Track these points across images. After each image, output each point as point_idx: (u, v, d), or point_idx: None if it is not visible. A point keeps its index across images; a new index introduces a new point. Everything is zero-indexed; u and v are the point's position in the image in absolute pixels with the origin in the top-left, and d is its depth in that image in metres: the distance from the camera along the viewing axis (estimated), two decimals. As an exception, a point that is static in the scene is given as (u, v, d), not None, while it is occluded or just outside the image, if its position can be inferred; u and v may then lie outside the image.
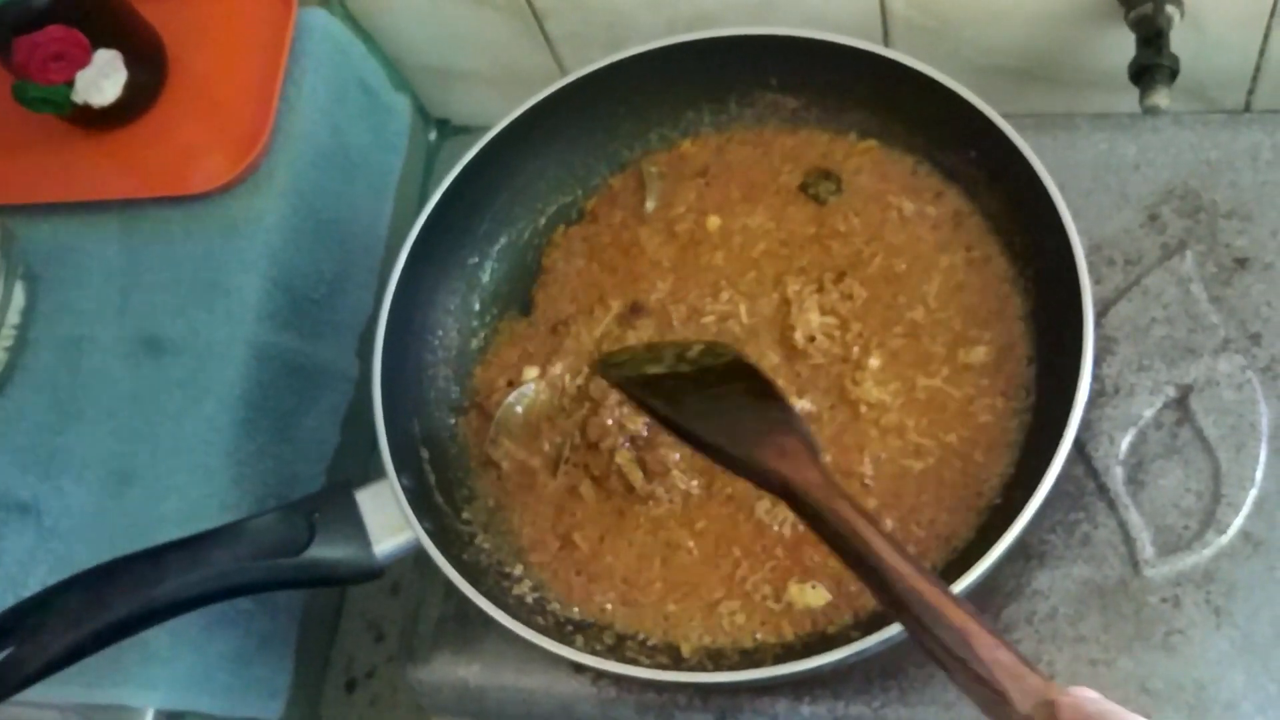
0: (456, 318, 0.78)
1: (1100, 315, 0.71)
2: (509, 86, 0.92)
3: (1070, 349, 0.64)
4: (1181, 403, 0.68)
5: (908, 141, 0.75)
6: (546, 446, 0.73)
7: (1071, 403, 0.62)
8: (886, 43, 0.83)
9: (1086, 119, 0.76)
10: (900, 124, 0.75)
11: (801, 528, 0.67)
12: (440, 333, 0.78)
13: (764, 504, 0.69)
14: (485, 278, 0.80)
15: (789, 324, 0.71)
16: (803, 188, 0.76)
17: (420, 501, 0.69)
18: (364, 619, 0.91)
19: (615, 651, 0.67)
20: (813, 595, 0.66)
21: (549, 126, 0.78)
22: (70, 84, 0.83)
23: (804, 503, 0.56)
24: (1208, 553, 0.65)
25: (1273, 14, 0.75)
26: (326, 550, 0.66)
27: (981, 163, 0.72)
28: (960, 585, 0.60)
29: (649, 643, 0.67)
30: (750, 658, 0.65)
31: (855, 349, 0.71)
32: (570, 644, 0.65)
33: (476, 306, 0.78)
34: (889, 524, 0.67)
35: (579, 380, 0.74)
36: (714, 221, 0.77)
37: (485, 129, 0.76)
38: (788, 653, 0.65)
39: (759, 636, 0.66)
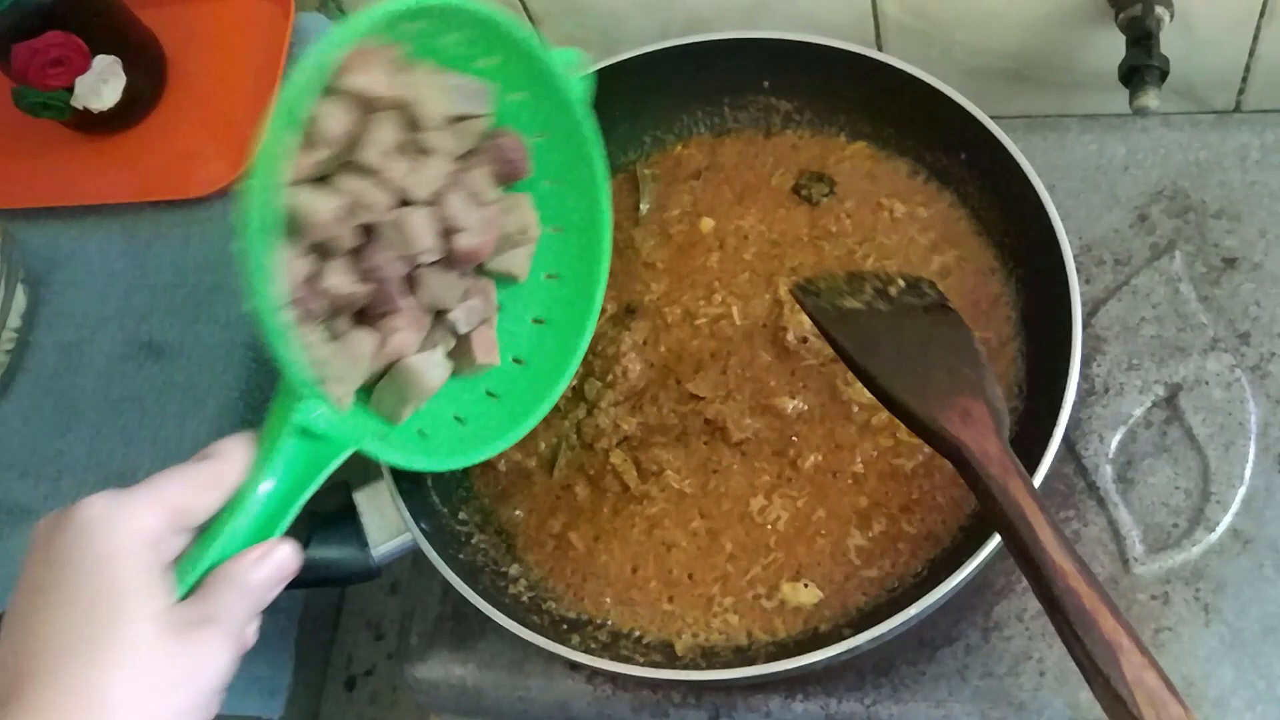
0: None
1: (1090, 315, 0.71)
2: (504, 90, 0.92)
3: (1060, 348, 0.64)
4: (1171, 401, 0.69)
5: (899, 144, 0.76)
6: (542, 446, 0.74)
7: (1061, 401, 0.63)
8: (878, 46, 0.84)
9: (1076, 120, 0.76)
10: (892, 126, 0.76)
11: (795, 526, 0.68)
12: (436, 334, 0.78)
13: (758, 501, 0.69)
14: (481, 280, 0.80)
15: (781, 325, 0.72)
16: (795, 190, 0.77)
17: (417, 502, 0.70)
18: (363, 618, 0.91)
19: (610, 649, 0.67)
20: (805, 594, 0.67)
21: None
22: (70, 89, 0.83)
23: (976, 476, 0.55)
24: (1197, 550, 0.66)
25: (1262, 15, 0.75)
26: (324, 550, 0.67)
27: (972, 164, 0.73)
28: (950, 583, 0.60)
29: (644, 641, 0.68)
30: (744, 655, 0.66)
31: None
32: (566, 642, 0.66)
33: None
34: (881, 522, 0.67)
35: (573, 381, 0.74)
36: (708, 223, 0.78)
37: (481, 132, 0.77)
38: (781, 650, 0.66)
39: (752, 634, 0.67)
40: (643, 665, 0.65)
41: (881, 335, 0.61)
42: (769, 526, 0.69)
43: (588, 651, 0.65)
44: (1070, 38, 0.79)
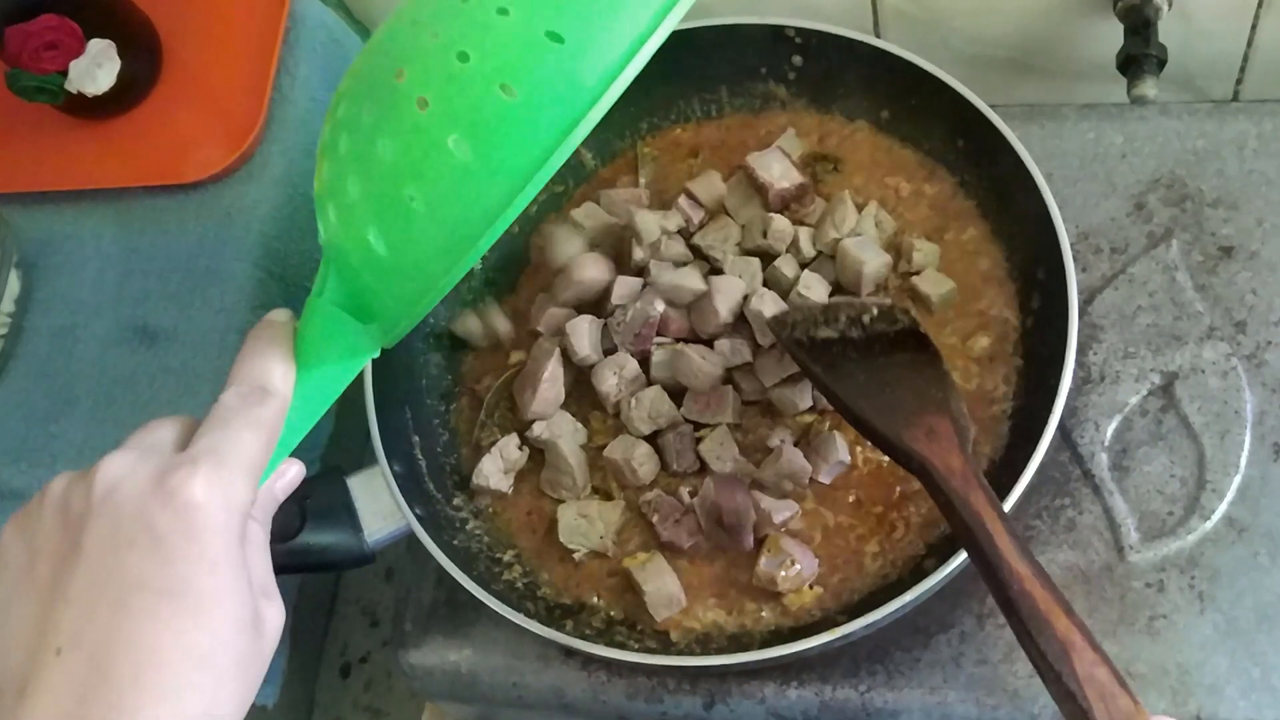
0: (448, 305, 0.79)
1: (1086, 303, 0.71)
2: (501, 76, 0.92)
3: (1056, 336, 0.64)
4: (1167, 390, 0.69)
5: (898, 129, 0.76)
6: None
7: (1057, 389, 0.63)
8: (877, 33, 0.84)
9: (1074, 109, 0.76)
10: (890, 113, 0.76)
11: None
12: (431, 320, 0.78)
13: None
14: (476, 266, 0.80)
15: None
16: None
17: (411, 488, 0.70)
18: (358, 604, 0.91)
19: (605, 635, 0.67)
20: (808, 593, 0.66)
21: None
22: (64, 73, 0.83)
23: (939, 488, 0.57)
24: (1192, 538, 0.66)
25: (1260, 4, 0.75)
26: (318, 536, 0.67)
27: (970, 151, 0.72)
28: (945, 571, 0.60)
29: (638, 627, 0.68)
30: (738, 642, 0.66)
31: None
32: (560, 628, 0.66)
33: (468, 294, 0.79)
34: (878, 509, 0.67)
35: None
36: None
37: (477, 118, 0.77)
38: (775, 637, 0.66)
39: (747, 622, 0.67)
40: (638, 651, 0.65)
41: (853, 361, 0.64)
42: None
43: (582, 637, 0.65)
44: (1068, 26, 0.79)
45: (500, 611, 0.65)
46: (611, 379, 0.70)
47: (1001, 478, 0.65)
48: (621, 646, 0.66)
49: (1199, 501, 0.66)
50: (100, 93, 0.84)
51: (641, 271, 0.73)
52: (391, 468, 0.69)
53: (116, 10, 0.86)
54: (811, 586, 0.66)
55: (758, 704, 0.67)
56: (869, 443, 0.68)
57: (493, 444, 0.73)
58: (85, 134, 0.88)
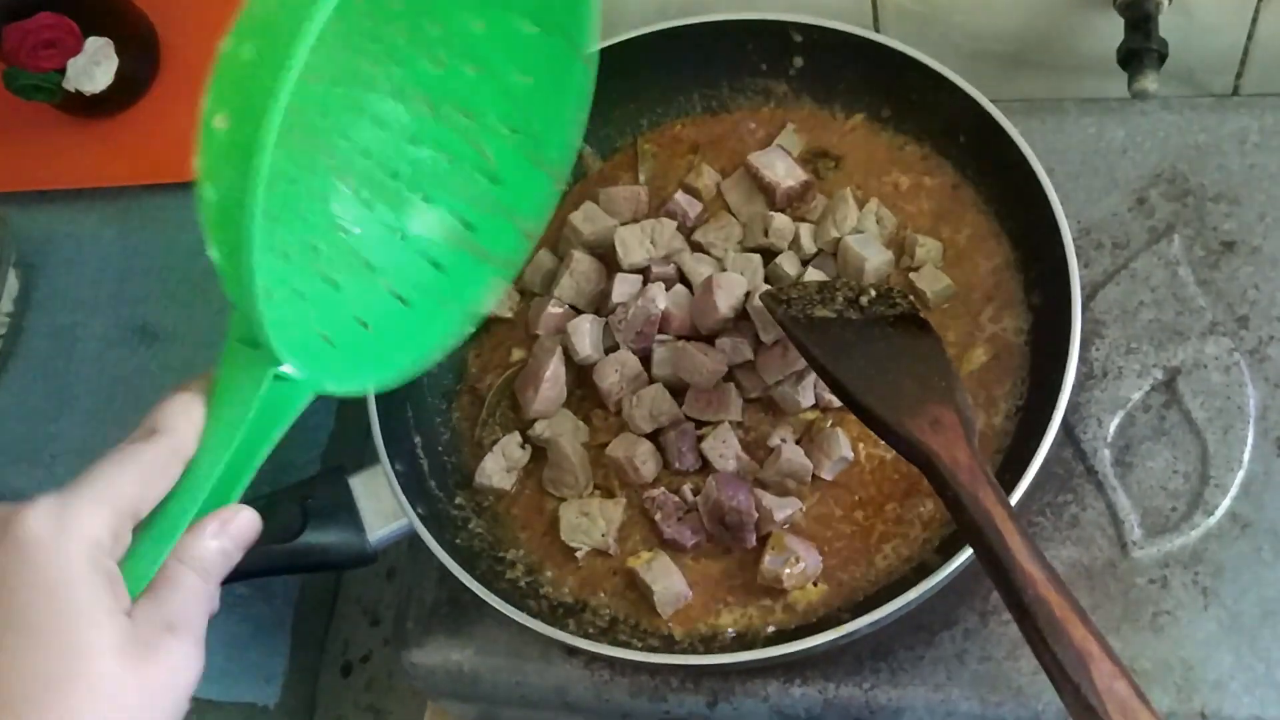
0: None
1: (1088, 298, 0.71)
2: (501, 73, 0.92)
3: (1059, 332, 0.64)
4: (1169, 385, 0.69)
5: (899, 124, 0.75)
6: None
7: (1060, 385, 0.63)
8: (876, 28, 0.83)
9: (1075, 103, 0.76)
10: (891, 108, 0.75)
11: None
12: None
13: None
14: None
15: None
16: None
17: (413, 486, 0.70)
18: (360, 604, 0.91)
19: (608, 634, 0.67)
20: (813, 591, 0.66)
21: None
22: (61, 71, 0.83)
23: (945, 483, 0.55)
24: (1195, 534, 0.65)
25: (1261, -2, 0.75)
26: (320, 535, 0.67)
27: (971, 146, 0.72)
28: (950, 567, 0.60)
29: (641, 625, 0.68)
30: (742, 640, 0.66)
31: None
32: (563, 627, 0.65)
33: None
34: (882, 505, 0.67)
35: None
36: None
37: (477, 115, 0.77)
38: (779, 635, 0.66)
39: (750, 620, 0.67)
40: (640, 650, 0.65)
41: (852, 343, 0.61)
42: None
43: (585, 636, 0.65)
44: (1069, 21, 0.79)
45: (502, 610, 0.65)
46: (613, 376, 0.70)
47: (1005, 474, 0.65)
48: (624, 645, 0.66)
49: (1202, 497, 0.66)
50: (98, 91, 0.84)
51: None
52: (393, 467, 0.68)
53: (114, 8, 0.86)
54: (816, 584, 0.66)
55: (761, 702, 0.67)
56: (872, 435, 0.67)
57: (495, 442, 0.73)
58: (84, 132, 0.88)
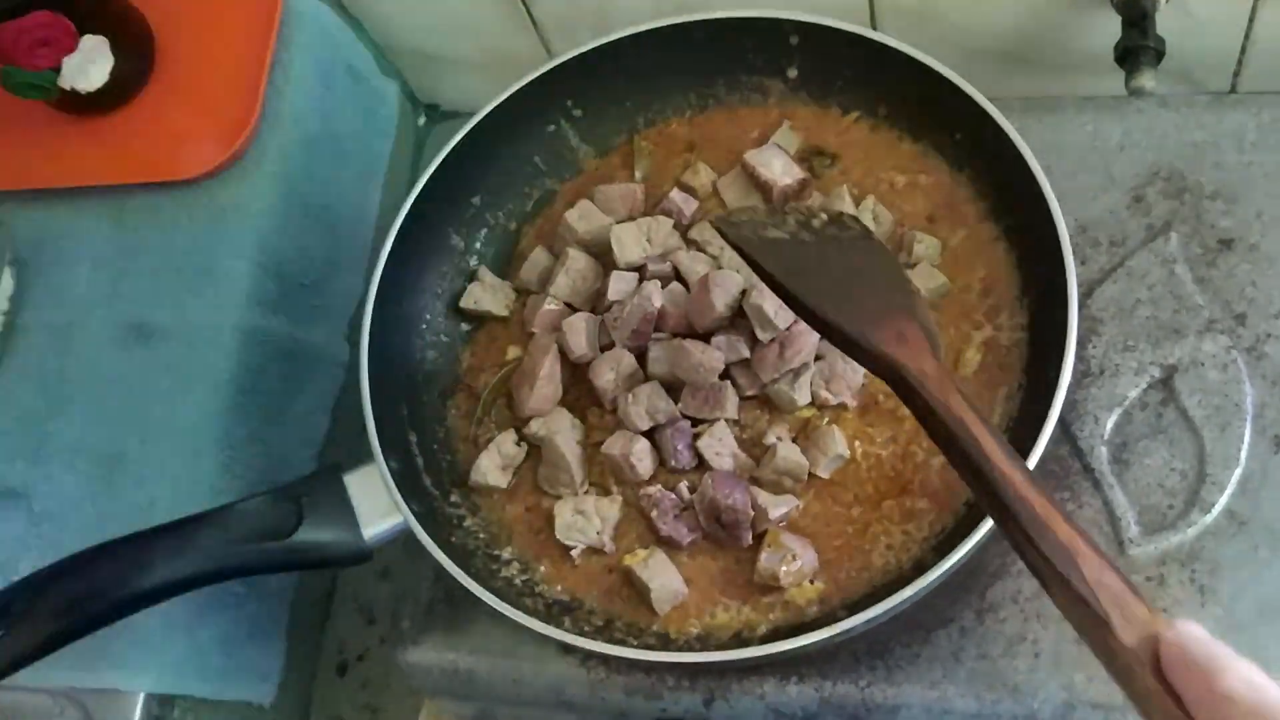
0: (444, 301, 0.79)
1: (1085, 296, 0.71)
2: (497, 71, 0.92)
3: (1055, 330, 0.64)
4: (1166, 383, 0.69)
5: (896, 122, 0.75)
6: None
7: (1057, 383, 0.63)
8: (873, 25, 0.83)
9: (1072, 101, 0.76)
10: (888, 106, 0.75)
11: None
12: (428, 316, 0.78)
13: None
14: (473, 261, 0.80)
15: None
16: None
17: (408, 484, 0.69)
18: (355, 602, 0.91)
19: (603, 632, 0.67)
20: (810, 589, 0.66)
21: (536, 110, 0.78)
22: (57, 69, 0.83)
23: (915, 393, 0.54)
24: (1192, 532, 0.65)
25: (1258, -4, 0.75)
26: (315, 533, 0.67)
27: (968, 144, 0.72)
28: (946, 564, 0.60)
29: (637, 623, 0.68)
30: (738, 638, 0.66)
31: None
32: (559, 625, 0.65)
33: (464, 289, 0.78)
34: (878, 503, 0.67)
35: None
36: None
37: (474, 114, 0.77)
38: (775, 633, 0.65)
39: (746, 618, 0.67)
40: (636, 648, 0.65)
41: (809, 261, 0.60)
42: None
43: (581, 634, 0.65)
44: (1066, 19, 0.79)
45: (498, 608, 0.65)
46: (609, 374, 0.70)
47: (1001, 472, 0.65)
48: (620, 643, 0.65)
49: (1199, 495, 0.66)
50: (93, 89, 0.84)
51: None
52: (388, 464, 0.68)
53: (109, 6, 0.86)
54: (813, 581, 0.66)
55: (757, 700, 0.67)
56: (869, 433, 0.68)
57: (490, 440, 0.73)
58: (79, 131, 0.88)
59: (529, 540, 0.71)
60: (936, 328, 0.58)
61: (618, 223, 0.75)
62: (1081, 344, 0.69)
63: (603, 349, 0.72)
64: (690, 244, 0.74)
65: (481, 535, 0.72)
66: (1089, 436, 0.68)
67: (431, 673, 0.72)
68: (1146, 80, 0.73)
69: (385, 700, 0.88)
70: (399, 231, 0.74)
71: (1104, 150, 0.75)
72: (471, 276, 0.79)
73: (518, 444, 0.72)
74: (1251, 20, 0.77)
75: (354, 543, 0.67)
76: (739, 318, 0.69)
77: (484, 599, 0.65)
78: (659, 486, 0.69)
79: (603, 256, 0.75)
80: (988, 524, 0.60)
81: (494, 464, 0.72)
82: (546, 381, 0.71)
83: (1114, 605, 0.46)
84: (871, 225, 0.72)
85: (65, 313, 0.84)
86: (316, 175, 0.88)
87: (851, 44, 0.73)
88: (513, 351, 0.76)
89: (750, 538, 0.67)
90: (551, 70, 0.77)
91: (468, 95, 1.00)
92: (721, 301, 0.69)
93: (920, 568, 0.62)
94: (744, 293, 0.69)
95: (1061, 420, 0.63)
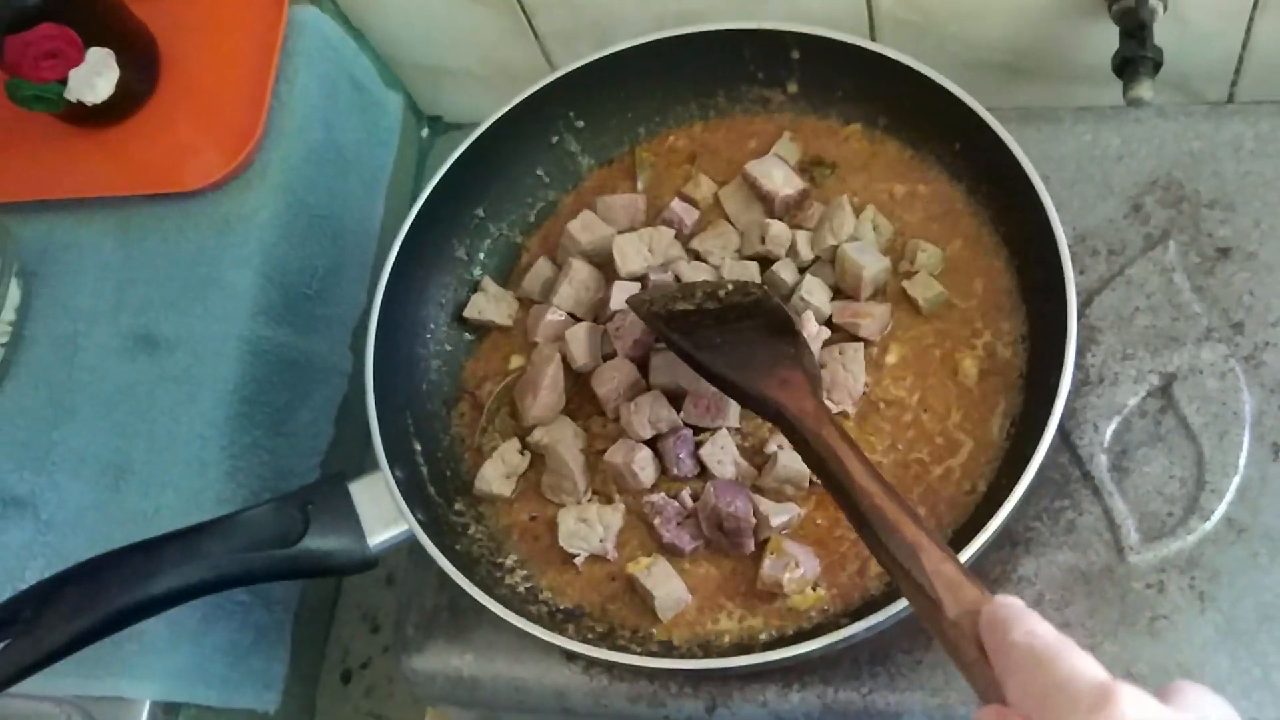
0: (448, 311, 0.79)
1: (1084, 305, 0.71)
2: (499, 82, 0.93)
3: (1054, 338, 0.64)
4: (1165, 391, 0.69)
5: (894, 134, 0.76)
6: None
7: (1056, 391, 0.63)
8: (873, 37, 0.84)
9: (1070, 111, 0.76)
10: (887, 116, 0.76)
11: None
12: (432, 326, 0.78)
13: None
14: (476, 271, 0.80)
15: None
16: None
17: (413, 493, 0.70)
18: (359, 610, 0.91)
19: (606, 639, 0.67)
20: (813, 596, 0.66)
21: (538, 121, 0.79)
22: (63, 82, 0.83)
23: (794, 429, 0.60)
24: (1192, 539, 0.66)
25: (1255, 6, 0.75)
26: (320, 541, 0.67)
27: (967, 154, 0.73)
28: (946, 571, 0.60)
29: (640, 631, 0.68)
30: (741, 645, 0.66)
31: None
32: (562, 632, 0.66)
33: (468, 299, 0.79)
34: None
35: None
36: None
37: (477, 125, 0.77)
38: (778, 640, 0.66)
39: (748, 625, 0.67)
40: (639, 655, 0.65)
41: (710, 328, 0.66)
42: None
43: (584, 641, 0.65)
44: (1064, 30, 0.80)
45: (502, 616, 0.65)
46: (611, 383, 0.71)
47: (1001, 479, 0.65)
48: (623, 650, 0.66)
49: (1198, 502, 0.66)
50: (99, 101, 0.85)
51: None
52: (393, 473, 0.69)
53: (116, 19, 0.87)
54: (815, 588, 0.66)
55: (760, 707, 0.67)
56: (869, 444, 0.68)
57: (494, 449, 0.73)
58: (85, 142, 0.88)
59: (532, 548, 0.72)
60: (819, 371, 0.67)
61: (620, 233, 0.75)
62: (1080, 352, 0.70)
63: (605, 358, 0.72)
64: (692, 254, 0.75)
65: (485, 543, 0.72)
66: (1088, 444, 0.69)
67: (435, 680, 0.73)
68: (1144, 90, 0.74)
69: (389, 708, 0.88)
70: (403, 242, 0.75)
71: (1102, 160, 0.75)
72: (475, 287, 0.79)
73: (521, 453, 0.73)
74: (1248, 31, 0.77)
75: (359, 550, 0.67)
76: None
77: (488, 606, 0.65)
78: (661, 494, 0.69)
79: (605, 267, 0.75)
80: (988, 532, 0.61)
81: (498, 472, 0.72)
82: (549, 390, 0.72)
83: (947, 590, 0.50)
84: (872, 236, 0.72)
85: (71, 323, 0.85)
86: (320, 186, 0.88)
87: (851, 55, 0.74)
88: (516, 361, 0.76)
89: (752, 545, 0.67)
90: (554, 82, 0.77)
91: (471, 107, 1.00)
92: None
93: (921, 575, 0.63)
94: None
95: (1061, 428, 0.64)
